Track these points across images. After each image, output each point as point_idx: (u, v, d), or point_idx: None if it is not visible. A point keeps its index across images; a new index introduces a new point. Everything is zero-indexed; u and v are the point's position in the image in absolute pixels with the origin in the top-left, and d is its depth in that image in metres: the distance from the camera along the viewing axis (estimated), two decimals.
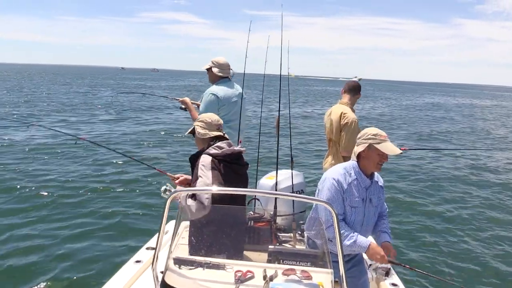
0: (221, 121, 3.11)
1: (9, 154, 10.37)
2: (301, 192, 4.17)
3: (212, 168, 2.80)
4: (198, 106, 4.48)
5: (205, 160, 2.86)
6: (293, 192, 3.97)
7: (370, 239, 3.07)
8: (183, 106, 4.62)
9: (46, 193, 7.59)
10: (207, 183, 2.75)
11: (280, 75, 4.18)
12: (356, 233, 2.72)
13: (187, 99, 4.58)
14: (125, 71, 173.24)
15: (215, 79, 4.39)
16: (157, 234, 2.20)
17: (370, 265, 2.71)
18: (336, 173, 2.80)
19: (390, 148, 2.73)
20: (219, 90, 4.25)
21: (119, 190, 7.90)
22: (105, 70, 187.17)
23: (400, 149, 2.79)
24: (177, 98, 4.74)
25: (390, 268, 2.69)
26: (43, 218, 6.47)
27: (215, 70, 4.36)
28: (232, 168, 2.89)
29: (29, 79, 59.89)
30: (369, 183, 2.83)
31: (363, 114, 25.52)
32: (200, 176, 2.79)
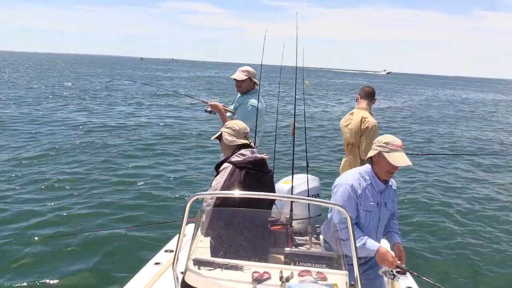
0: (248, 129, 3.18)
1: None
2: (317, 196, 4.22)
3: (230, 176, 2.88)
4: (227, 110, 4.52)
5: (224, 168, 2.96)
6: (308, 196, 4.02)
7: (385, 243, 3.11)
8: (209, 109, 4.56)
9: (64, 187, 7.81)
10: (215, 189, 2.88)
11: (296, 70, 4.23)
12: (366, 237, 2.75)
13: (219, 105, 4.50)
14: (144, 61, 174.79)
15: (251, 89, 4.50)
16: (176, 237, 2.29)
17: (372, 268, 2.76)
18: (351, 178, 2.82)
19: (398, 159, 2.70)
20: (257, 104, 4.39)
21: (139, 193, 8.01)
22: (124, 60, 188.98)
23: (419, 154, 2.81)
24: (207, 101, 4.63)
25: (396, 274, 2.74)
26: (60, 212, 6.63)
27: (255, 79, 4.49)
28: (255, 176, 2.95)
29: (50, 69, 60.60)
30: (384, 187, 2.85)
31: (381, 106, 25.22)
32: (216, 181, 2.92)
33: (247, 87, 4.50)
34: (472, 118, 25.53)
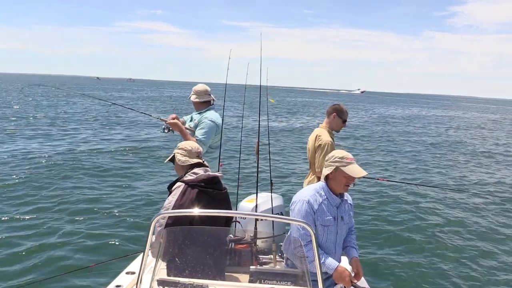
0: (201, 149, 3.22)
1: None
2: (281, 214, 4.26)
3: (182, 195, 2.88)
4: (186, 129, 4.41)
5: (177, 187, 2.96)
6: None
7: (344, 262, 3.18)
8: (167, 127, 4.37)
9: (22, 211, 7.37)
10: (166, 209, 2.87)
11: (260, 89, 4.29)
12: (325, 255, 2.83)
13: (179, 123, 4.33)
14: (101, 81, 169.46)
15: (199, 107, 4.51)
16: (138, 258, 2.25)
17: (336, 284, 2.83)
18: (307, 194, 2.92)
19: (356, 170, 2.85)
20: (216, 118, 4.40)
21: (98, 213, 7.72)
22: (80, 80, 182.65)
23: (378, 179, 2.94)
24: (165, 120, 4.40)
25: None
26: (15, 233, 6.35)
27: (192, 97, 4.52)
28: (208, 194, 2.96)
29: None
30: (339, 202, 2.96)
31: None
32: (167, 201, 2.91)
33: (195, 105, 4.52)
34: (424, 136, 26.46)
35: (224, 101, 4.47)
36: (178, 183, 2.98)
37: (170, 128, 4.36)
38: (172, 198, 2.89)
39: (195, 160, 3.09)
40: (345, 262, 3.23)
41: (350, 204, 3.11)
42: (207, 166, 3.15)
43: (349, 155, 2.92)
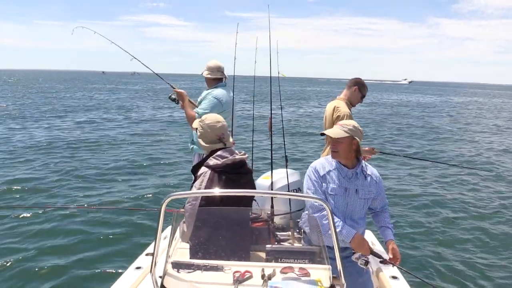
0: (222, 132, 2.94)
1: None
2: (298, 190, 4.18)
3: (210, 183, 2.77)
4: (192, 103, 4.46)
5: (202, 173, 2.83)
6: (289, 190, 3.98)
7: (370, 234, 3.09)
8: (174, 96, 4.49)
9: (35, 196, 7.53)
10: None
11: (270, 75, 4.21)
12: (342, 223, 2.74)
13: (184, 93, 4.42)
14: (106, 75, 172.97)
15: (210, 83, 4.46)
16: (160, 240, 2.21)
17: (354, 253, 2.73)
18: (317, 162, 2.90)
19: (330, 130, 2.84)
20: (222, 95, 4.29)
21: (119, 195, 7.82)
22: (86, 75, 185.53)
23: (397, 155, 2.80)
24: (174, 87, 4.54)
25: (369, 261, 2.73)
26: (38, 222, 6.44)
27: (205, 73, 4.46)
28: (233, 179, 2.83)
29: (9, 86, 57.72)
30: (351, 173, 2.83)
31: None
32: (195, 188, 2.82)
33: (206, 81, 4.49)
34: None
35: (233, 88, 4.40)
36: (203, 168, 2.83)
37: (176, 98, 4.47)
38: (200, 186, 2.77)
39: (218, 146, 2.91)
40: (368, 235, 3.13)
41: (375, 180, 2.90)
42: (231, 146, 2.97)
43: (346, 122, 2.85)
